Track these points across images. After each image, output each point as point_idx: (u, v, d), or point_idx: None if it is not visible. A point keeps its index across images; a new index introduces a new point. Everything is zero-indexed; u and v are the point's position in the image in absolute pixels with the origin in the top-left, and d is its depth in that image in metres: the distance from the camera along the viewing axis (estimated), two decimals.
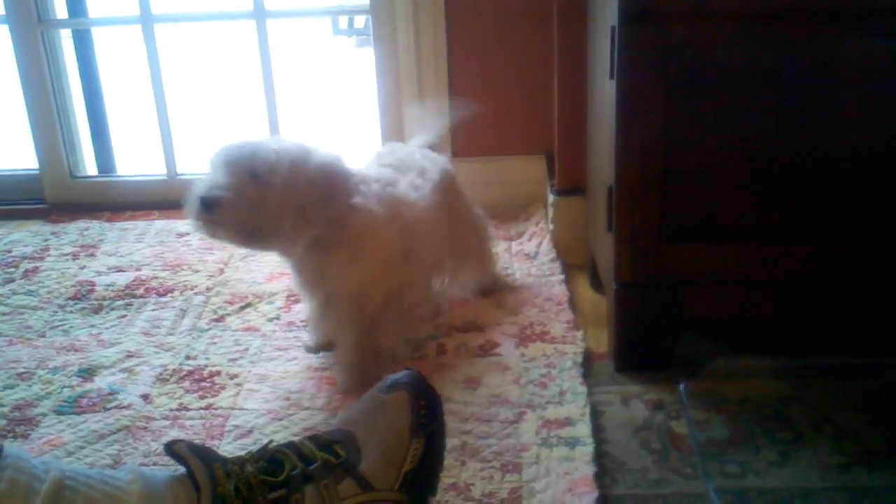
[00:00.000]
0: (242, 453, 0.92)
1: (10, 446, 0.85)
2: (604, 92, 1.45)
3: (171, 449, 0.91)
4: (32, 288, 1.83)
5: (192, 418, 1.38)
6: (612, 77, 1.34)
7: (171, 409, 1.40)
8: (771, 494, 1.18)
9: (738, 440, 1.29)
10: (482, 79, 2.07)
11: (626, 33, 1.29)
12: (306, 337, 1.59)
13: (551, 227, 1.92)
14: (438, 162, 1.63)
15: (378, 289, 1.44)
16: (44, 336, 1.66)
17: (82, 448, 1.31)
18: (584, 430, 1.30)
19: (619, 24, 1.28)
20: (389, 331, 1.47)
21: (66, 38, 2.32)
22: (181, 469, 0.90)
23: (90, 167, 2.39)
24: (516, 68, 2.05)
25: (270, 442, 0.94)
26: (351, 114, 3.84)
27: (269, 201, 1.28)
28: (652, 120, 1.31)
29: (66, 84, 2.28)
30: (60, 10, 2.30)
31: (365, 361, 1.43)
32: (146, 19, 2.19)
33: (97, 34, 2.47)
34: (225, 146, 1.32)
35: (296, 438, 0.98)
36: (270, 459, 0.91)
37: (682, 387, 1.40)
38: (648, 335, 1.45)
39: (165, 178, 2.28)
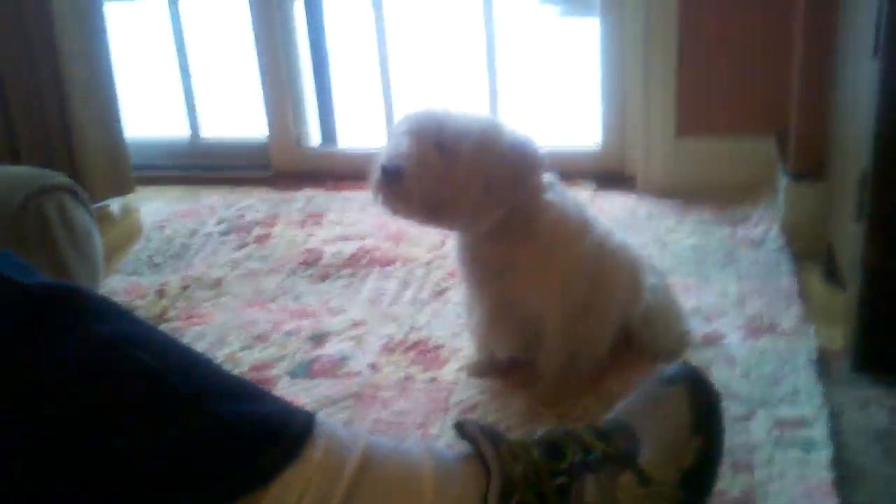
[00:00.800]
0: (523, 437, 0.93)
1: (321, 417, 0.88)
2: (862, 70, 1.36)
3: (462, 428, 0.92)
4: (265, 253, 1.93)
5: (417, 389, 1.42)
6: (875, 54, 1.24)
7: (398, 379, 1.45)
8: None
9: None
10: (713, 53, 1.99)
11: None
12: (468, 353, 1.49)
13: (781, 212, 1.83)
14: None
15: (558, 304, 1.33)
16: (276, 300, 1.74)
17: (316, 411, 1.37)
18: (820, 432, 1.24)
19: None
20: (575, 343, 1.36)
21: (298, 11, 2.40)
22: (464, 448, 0.91)
23: (314, 136, 2.48)
24: (750, 41, 1.95)
25: (553, 427, 0.94)
26: (560, 89, 3.79)
27: (454, 173, 1.20)
28: None
29: (296, 55, 2.38)
30: None
31: (568, 369, 1.36)
32: None
33: (328, 4, 2.55)
34: (409, 114, 1.25)
35: (572, 426, 0.97)
36: (552, 445, 0.91)
37: None
38: (894, 333, 1.36)
39: None
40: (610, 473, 0.90)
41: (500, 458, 0.87)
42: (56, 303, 0.81)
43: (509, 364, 1.43)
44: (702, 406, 0.95)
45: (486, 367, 1.44)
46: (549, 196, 1.31)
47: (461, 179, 1.21)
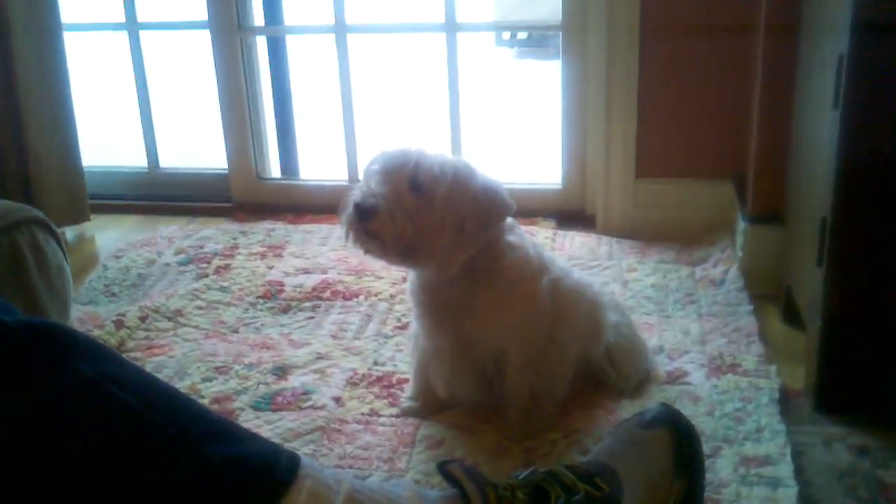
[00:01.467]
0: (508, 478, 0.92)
1: (304, 457, 0.87)
2: (821, 119, 1.40)
3: (445, 469, 0.91)
4: (225, 284, 1.91)
5: (383, 424, 1.40)
6: (835, 107, 1.28)
7: (363, 414, 1.43)
8: None
9: None
10: (673, 98, 2.03)
11: (857, 61, 1.23)
12: (405, 394, 1.46)
13: (740, 254, 1.87)
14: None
15: (519, 342, 1.33)
16: (237, 332, 1.72)
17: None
18: (785, 470, 1.25)
19: (849, 53, 1.23)
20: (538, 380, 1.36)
21: (260, 45, 2.41)
22: (452, 489, 0.90)
23: (275, 170, 2.47)
24: (709, 87, 2.00)
25: (535, 469, 0.93)
26: (521, 129, 3.84)
27: (429, 213, 1.20)
28: (877, 153, 1.26)
29: (258, 89, 2.37)
30: (258, 17, 2.40)
31: (532, 405, 1.35)
32: (339, 28, 2.25)
33: (290, 42, 2.56)
34: (383, 154, 1.24)
35: (554, 467, 0.97)
36: (536, 486, 0.91)
37: None
38: (854, 375, 1.38)
39: (347, 183, 2.34)
40: None
41: (485, 500, 0.87)
42: (39, 341, 0.79)
43: (450, 405, 1.42)
44: (683, 448, 0.96)
45: (424, 411, 1.42)
46: (511, 238, 1.32)
47: (435, 219, 1.20)
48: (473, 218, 1.23)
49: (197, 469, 0.78)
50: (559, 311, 1.36)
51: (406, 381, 1.51)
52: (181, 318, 1.76)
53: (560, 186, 2.24)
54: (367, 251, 1.25)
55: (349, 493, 0.84)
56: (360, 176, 2.30)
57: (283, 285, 1.89)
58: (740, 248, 1.87)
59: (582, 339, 1.42)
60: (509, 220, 1.31)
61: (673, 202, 2.08)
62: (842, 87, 1.26)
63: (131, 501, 0.77)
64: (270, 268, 1.98)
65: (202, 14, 2.28)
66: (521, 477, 0.92)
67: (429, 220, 1.20)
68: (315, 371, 1.56)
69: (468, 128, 2.30)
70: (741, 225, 1.86)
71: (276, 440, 1.36)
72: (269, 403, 1.47)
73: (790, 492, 1.21)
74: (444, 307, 1.32)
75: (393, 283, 1.87)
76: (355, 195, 1.22)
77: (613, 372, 1.46)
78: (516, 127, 3.92)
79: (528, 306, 1.33)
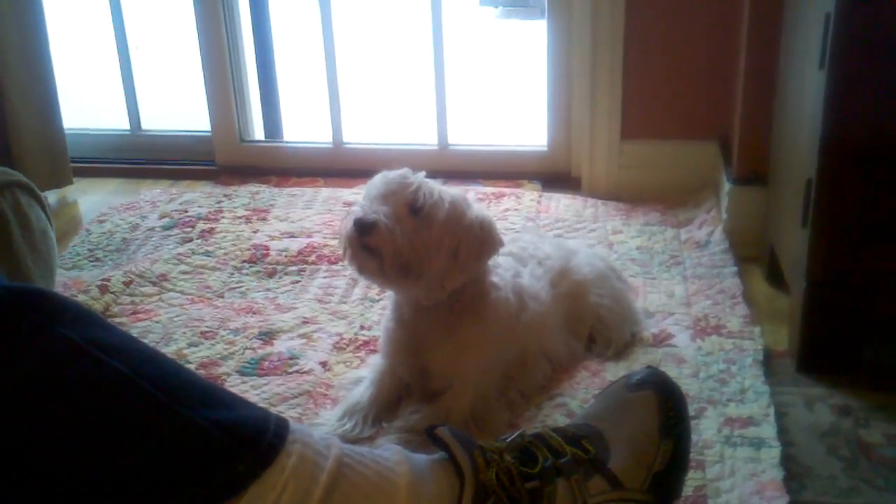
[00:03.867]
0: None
1: (293, 422, 0.87)
2: (807, 81, 1.39)
3: (433, 434, 0.92)
4: (210, 249, 1.89)
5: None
6: (821, 67, 1.28)
7: (349, 378, 1.43)
8: None
9: None
10: (658, 58, 2.01)
11: (844, 20, 1.23)
12: (342, 407, 1.36)
13: (725, 216, 1.87)
14: (567, 248, 1.55)
15: (482, 380, 1.33)
16: (222, 297, 1.72)
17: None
18: (769, 431, 1.27)
19: (836, 12, 1.23)
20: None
21: (243, 5, 2.37)
22: (440, 452, 0.91)
23: (258, 132, 2.45)
24: (695, 48, 1.99)
25: (522, 432, 0.94)
26: (506, 90, 3.81)
27: (427, 235, 1.24)
28: (864, 114, 1.26)
29: (241, 50, 2.34)
30: None
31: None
32: None
33: (273, 1, 2.53)
34: (384, 176, 1.27)
35: (541, 429, 0.98)
36: (523, 450, 0.91)
37: None
38: (837, 336, 1.40)
39: (331, 146, 2.32)
40: (581, 477, 0.90)
41: (474, 464, 0.87)
42: (25, 307, 0.79)
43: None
44: (670, 410, 0.97)
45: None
46: (494, 279, 1.35)
47: (432, 242, 1.24)
48: (468, 247, 1.27)
49: (186, 434, 0.78)
50: (534, 335, 1.39)
51: None
52: (166, 283, 1.75)
53: (545, 149, 2.23)
54: (362, 269, 1.27)
55: (338, 458, 0.84)
56: (344, 139, 2.29)
57: (268, 249, 1.88)
58: (725, 209, 1.87)
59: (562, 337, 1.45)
60: (490, 262, 1.34)
61: (658, 163, 2.08)
62: (828, 46, 1.26)
63: (119, 467, 0.76)
64: (255, 232, 1.97)
65: None
66: (508, 440, 0.93)
67: (426, 242, 1.24)
68: (301, 336, 1.56)
69: (453, 89, 2.29)
70: (726, 186, 1.86)
71: (262, 405, 1.36)
72: (255, 368, 1.47)
73: (774, 452, 1.22)
74: (417, 342, 1.34)
75: None
76: (356, 211, 1.25)
77: (604, 334, 1.49)
78: (501, 88, 3.90)
79: (497, 352, 1.35)
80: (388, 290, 1.38)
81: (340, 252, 1.29)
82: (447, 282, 1.27)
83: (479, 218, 1.29)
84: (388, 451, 0.91)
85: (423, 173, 1.28)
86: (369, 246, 1.23)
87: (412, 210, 1.24)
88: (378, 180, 1.27)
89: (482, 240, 1.29)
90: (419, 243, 1.23)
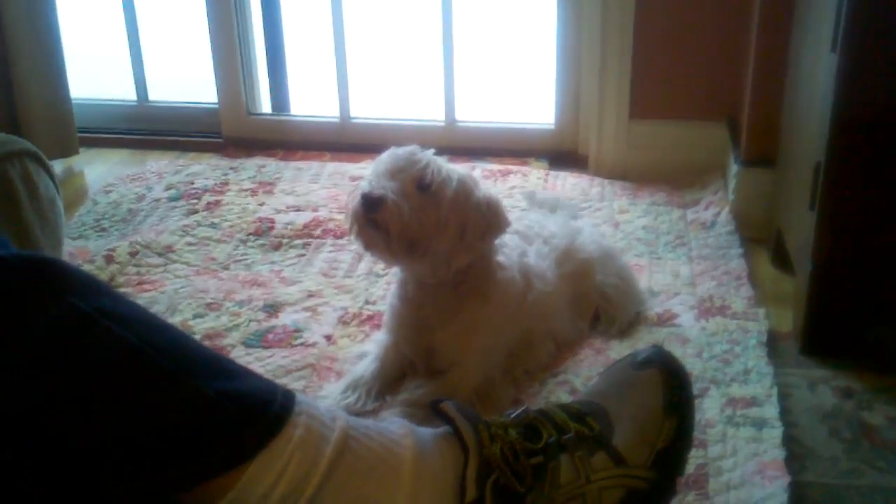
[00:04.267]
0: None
1: (299, 394, 0.87)
2: (818, 63, 1.39)
3: (438, 407, 0.92)
4: (215, 221, 1.90)
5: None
6: (833, 50, 1.27)
7: (354, 353, 1.44)
8: None
9: None
10: (667, 38, 2.00)
11: (857, 2, 1.22)
12: (350, 379, 1.35)
13: (732, 197, 1.87)
14: (572, 229, 1.53)
15: (487, 359, 1.33)
16: (227, 269, 1.72)
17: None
18: (771, 412, 1.27)
19: None
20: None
21: None
22: (444, 427, 0.91)
23: (265, 105, 2.45)
24: (705, 29, 1.98)
25: (527, 408, 0.94)
26: (515, 67, 3.79)
27: (434, 212, 1.23)
28: (875, 98, 1.25)
29: (249, 22, 2.33)
30: None
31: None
32: None
33: None
34: (393, 153, 1.27)
35: (546, 405, 0.98)
36: (528, 425, 0.91)
37: None
38: (841, 319, 1.40)
39: (338, 120, 2.32)
40: (584, 454, 0.91)
41: (478, 438, 0.87)
42: (34, 275, 0.79)
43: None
44: (674, 389, 0.97)
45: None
46: (500, 258, 1.35)
47: (441, 219, 1.24)
48: (475, 225, 1.27)
49: (193, 404, 0.79)
50: (539, 315, 1.39)
51: None
52: (172, 254, 1.75)
53: (553, 126, 2.22)
54: (369, 245, 1.27)
55: (344, 430, 0.85)
56: (352, 113, 2.29)
57: (273, 222, 1.88)
58: (732, 190, 1.86)
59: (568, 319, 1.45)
60: (497, 241, 1.34)
61: (666, 143, 2.07)
62: (840, 29, 1.25)
63: (126, 436, 0.77)
64: (261, 205, 1.97)
65: None
66: (513, 415, 0.93)
67: (433, 218, 1.24)
68: (306, 309, 1.57)
69: (461, 65, 2.28)
70: (734, 168, 1.85)
71: (266, 377, 1.36)
72: (260, 340, 1.48)
73: (776, 432, 1.23)
74: (422, 321, 1.34)
75: None
76: (363, 186, 1.24)
77: (610, 313, 1.49)
78: (509, 65, 3.88)
79: (502, 333, 1.35)
80: (394, 266, 1.39)
81: (347, 227, 1.30)
82: (453, 260, 1.27)
83: (487, 197, 1.29)
84: (394, 425, 0.91)
85: (431, 150, 1.27)
86: (376, 221, 1.23)
87: (420, 187, 1.24)
88: (386, 156, 1.27)
89: (489, 219, 1.28)
90: (426, 220, 1.23)
